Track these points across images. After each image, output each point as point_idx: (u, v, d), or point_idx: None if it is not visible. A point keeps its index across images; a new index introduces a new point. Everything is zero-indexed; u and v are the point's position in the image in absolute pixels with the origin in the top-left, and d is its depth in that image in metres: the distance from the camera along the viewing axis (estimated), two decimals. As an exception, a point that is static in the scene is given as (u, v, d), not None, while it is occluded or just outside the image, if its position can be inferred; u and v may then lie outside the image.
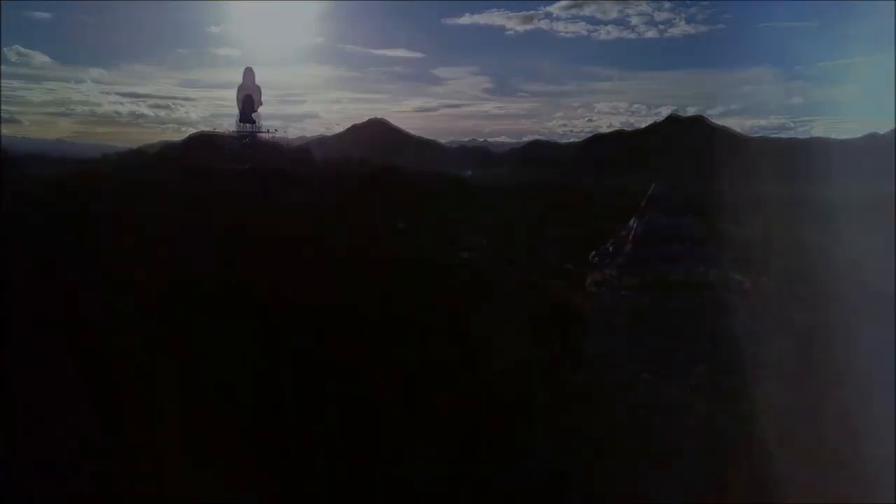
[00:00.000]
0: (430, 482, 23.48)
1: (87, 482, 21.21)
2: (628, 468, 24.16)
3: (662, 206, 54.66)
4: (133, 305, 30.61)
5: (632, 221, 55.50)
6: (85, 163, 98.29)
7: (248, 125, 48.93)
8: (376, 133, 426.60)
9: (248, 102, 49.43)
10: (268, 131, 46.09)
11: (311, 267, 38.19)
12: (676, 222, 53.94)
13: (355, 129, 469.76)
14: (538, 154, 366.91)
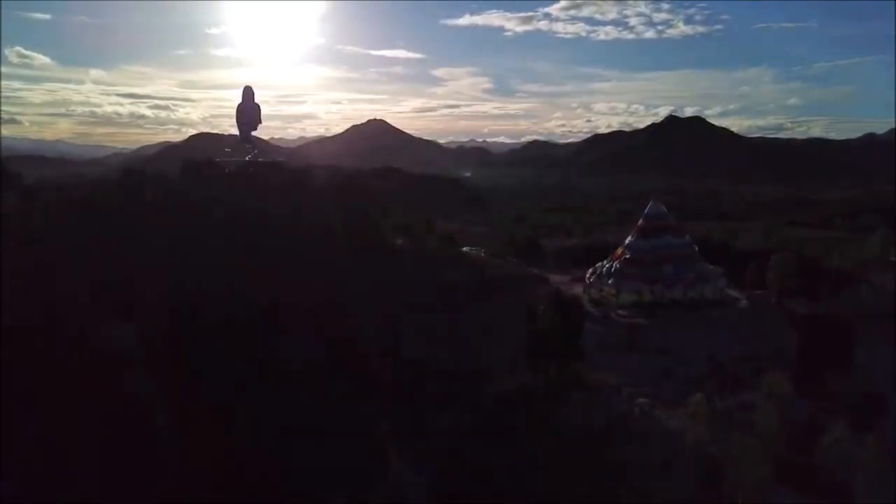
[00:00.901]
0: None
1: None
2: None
3: (659, 225, 55.09)
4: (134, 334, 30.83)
5: (628, 239, 55.89)
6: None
7: (247, 145, 49.11)
8: (376, 133, 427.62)
9: (248, 123, 49.56)
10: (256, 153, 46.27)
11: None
12: (673, 242, 54.34)
13: (355, 130, 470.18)
14: (537, 154, 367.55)
